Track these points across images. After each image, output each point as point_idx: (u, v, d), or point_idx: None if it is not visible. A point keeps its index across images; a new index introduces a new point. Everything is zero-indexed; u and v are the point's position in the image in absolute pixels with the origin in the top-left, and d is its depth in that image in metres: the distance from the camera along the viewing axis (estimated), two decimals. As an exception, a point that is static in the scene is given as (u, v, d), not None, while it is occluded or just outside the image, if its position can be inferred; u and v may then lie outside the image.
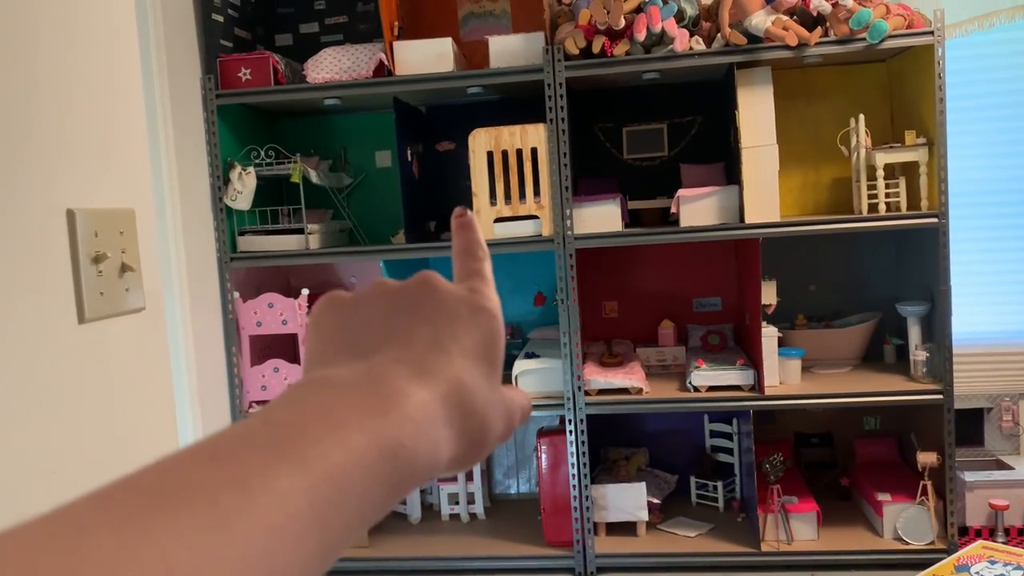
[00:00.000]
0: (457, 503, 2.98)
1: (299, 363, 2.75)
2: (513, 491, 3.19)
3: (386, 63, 2.64)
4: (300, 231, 2.74)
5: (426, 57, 2.64)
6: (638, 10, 2.48)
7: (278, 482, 0.28)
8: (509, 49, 2.63)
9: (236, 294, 2.74)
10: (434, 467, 0.35)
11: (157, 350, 1.12)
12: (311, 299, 2.78)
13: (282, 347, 2.89)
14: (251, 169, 2.72)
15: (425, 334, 0.39)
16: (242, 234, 2.77)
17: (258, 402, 2.79)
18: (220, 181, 2.70)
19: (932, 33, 2.41)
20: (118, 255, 1.02)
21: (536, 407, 2.69)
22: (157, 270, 1.13)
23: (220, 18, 2.72)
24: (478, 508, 2.98)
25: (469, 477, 2.97)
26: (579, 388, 2.62)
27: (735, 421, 2.85)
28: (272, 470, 0.29)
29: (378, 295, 0.41)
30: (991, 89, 2.91)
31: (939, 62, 2.41)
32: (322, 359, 0.39)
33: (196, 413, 2.55)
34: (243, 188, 2.70)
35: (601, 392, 2.66)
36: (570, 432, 2.63)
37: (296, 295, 2.74)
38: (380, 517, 0.33)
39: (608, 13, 2.44)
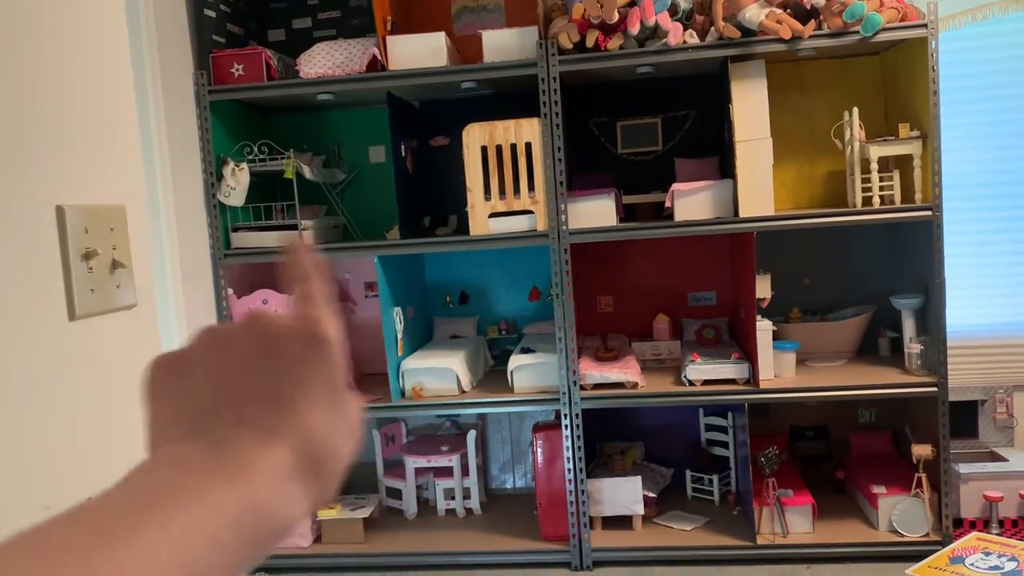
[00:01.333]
0: (453, 498, 2.98)
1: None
2: (509, 486, 3.19)
3: (379, 58, 2.63)
4: (294, 227, 2.73)
5: (419, 52, 2.63)
6: (631, 4, 2.47)
7: (144, 537, 0.30)
8: (503, 43, 2.63)
9: (230, 291, 2.73)
10: (293, 518, 0.37)
11: (149, 347, 1.12)
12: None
13: (277, 343, 2.88)
14: (244, 165, 2.71)
15: (264, 388, 0.38)
16: (235, 230, 2.77)
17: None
18: (213, 177, 2.69)
19: (925, 26, 2.41)
20: (109, 251, 1.01)
21: (532, 402, 2.69)
22: (149, 267, 1.13)
23: (212, 13, 2.71)
24: (474, 503, 2.98)
25: (465, 472, 2.97)
26: (574, 383, 2.62)
27: (730, 415, 2.85)
28: (138, 527, 0.31)
29: (207, 347, 0.40)
30: (984, 82, 2.91)
31: (932, 55, 2.41)
32: (166, 433, 0.38)
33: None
34: (236, 184, 2.69)
35: (596, 387, 2.66)
36: (566, 427, 2.63)
37: (291, 292, 2.72)
38: (244, 572, 0.35)
39: (602, 7, 2.44)
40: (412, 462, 2.96)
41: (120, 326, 1.05)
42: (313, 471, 0.38)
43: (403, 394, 2.75)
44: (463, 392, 2.74)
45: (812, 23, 2.44)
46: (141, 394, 0.40)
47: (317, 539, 2.84)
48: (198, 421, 0.38)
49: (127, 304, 1.06)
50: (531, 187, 2.59)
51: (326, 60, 2.67)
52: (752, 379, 2.59)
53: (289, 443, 0.37)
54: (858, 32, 2.41)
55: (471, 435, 2.98)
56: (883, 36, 2.43)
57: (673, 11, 2.52)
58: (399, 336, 2.76)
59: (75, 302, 0.95)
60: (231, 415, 0.37)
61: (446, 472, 2.98)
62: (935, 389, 2.49)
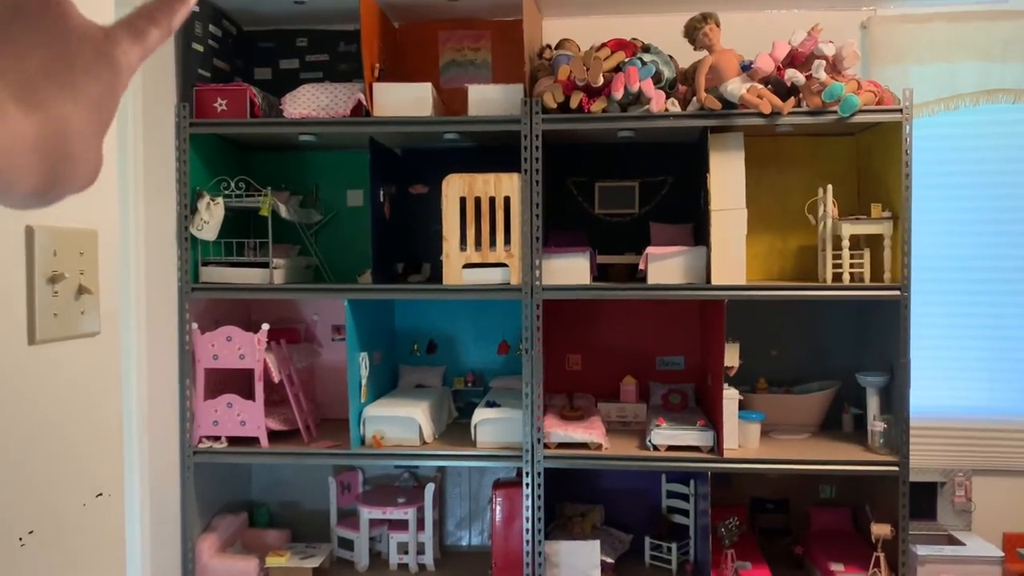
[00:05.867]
0: (406, 552, 2.91)
1: (253, 399, 2.69)
2: (464, 543, 3.12)
3: (364, 103, 2.64)
4: (265, 265, 2.70)
5: (405, 100, 2.65)
6: (617, 69, 2.52)
7: None
8: (488, 98, 2.65)
9: (194, 325, 2.68)
10: (9, 192, 0.35)
11: (109, 376, 1.08)
12: (271, 334, 2.73)
13: (238, 382, 2.82)
14: (220, 200, 2.68)
15: (39, 57, 0.36)
16: (205, 264, 2.73)
17: (209, 437, 2.71)
18: (187, 210, 2.66)
19: (901, 111, 2.48)
20: (76, 276, 0.98)
21: (494, 457, 2.65)
22: (116, 294, 1.10)
23: (200, 47, 2.71)
24: (427, 559, 2.91)
25: (420, 526, 2.90)
26: (538, 440, 2.58)
27: (692, 482, 2.83)
28: None
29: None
30: (956, 168, 3.00)
31: (907, 139, 2.47)
32: None
33: (143, 444, 2.46)
34: (210, 218, 2.66)
35: (560, 446, 2.63)
36: (527, 485, 2.59)
37: (256, 330, 2.68)
38: None
39: (587, 70, 2.48)
40: (367, 513, 2.89)
41: (81, 353, 1.01)
42: (52, 162, 0.36)
43: (363, 442, 2.69)
44: (424, 443, 2.70)
45: (792, 100, 2.49)
46: None
47: (263, 587, 2.75)
48: None
49: (90, 331, 1.02)
50: (507, 240, 2.59)
51: (311, 101, 2.68)
52: (716, 447, 2.58)
53: (40, 119, 0.35)
54: (836, 112, 2.47)
55: (429, 488, 2.92)
56: (860, 118, 2.49)
57: (657, 79, 2.56)
58: (363, 382, 2.72)
59: (36, 326, 0.92)
60: None
61: (401, 525, 2.91)
62: (896, 469, 2.50)
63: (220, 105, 2.67)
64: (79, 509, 1.03)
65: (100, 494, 1.07)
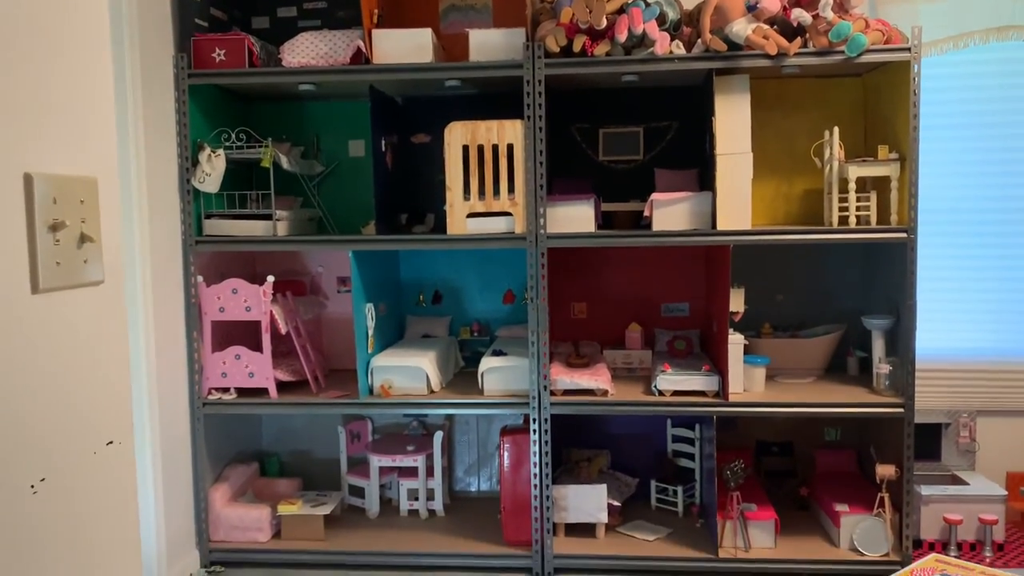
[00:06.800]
0: (416, 499, 2.95)
1: (261, 351, 2.70)
2: (474, 489, 3.16)
3: (364, 51, 2.61)
4: (268, 217, 2.69)
5: (405, 47, 2.61)
6: (620, 11, 2.47)
7: None
8: (489, 43, 2.61)
9: (200, 278, 2.69)
10: None
11: (115, 326, 1.08)
12: (276, 287, 2.74)
13: (245, 334, 2.83)
14: (221, 152, 2.67)
15: None
16: (208, 217, 2.72)
17: (218, 389, 2.74)
18: (188, 162, 2.64)
19: (909, 50, 2.43)
20: (77, 224, 0.98)
21: (501, 405, 2.67)
22: (119, 244, 1.10)
23: (196, -4, 2.66)
24: (437, 505, 2.95)
25: (430, 473, 2.94)
26: (545, 388, 2.60)
27: (698, 427, 2.85)
28: None
29: None
30: (964, 108, 2.95)
31: (915, 79, 2.43)
32: None
33: (153, 396, 2.49)
34: (212, 171, 2.65)
35: (566, 392, 2.64)
36: (534, 431, 2.61)
37: (261, 282, 2.69)
38: None
39: (590, 12, 2.43)
40: (377, 461, 2.93)
41: (86, 302, 1.01)
42: None
43: (371, 391, 2.71)
44: (432, 392, 2.72)
45: (798, 40, 2.45)
46: None
47: (276, 534, 2.79)
48: None
49: (94, 280, 1.02)
50: (511, 189, 2.57)
51: (310, 50, 2.64)
52: (721, 392, 2.60)
53: None
54: (843, 52, 2.43)
55: (438, 436, 2.95)
56: (867, 58, 2.45)
57: (661, 21, 2.52)
58: (370, 333, 2.73)
59: (39, 274, 0.92)
60: None
61: (411, 472, 2.95)
62: (901, 410, 2.51)
63: (218, 55, 2.64)
64: (90, 457, 1.04)
65: (111, 442, 1.08)
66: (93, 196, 1.02)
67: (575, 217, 2.62)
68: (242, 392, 2.74)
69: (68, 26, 1.00)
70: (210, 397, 2.72)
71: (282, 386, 2.78)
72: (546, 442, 2.61)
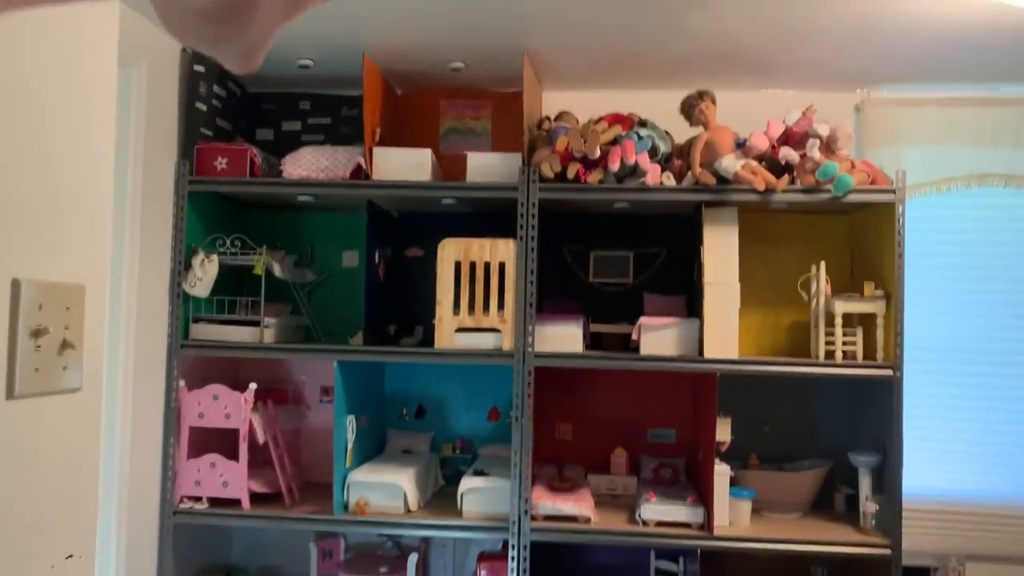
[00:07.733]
0: (387, 624, 2.82)
1: (237, 460, 2.64)
2: (447, 616, 3.03)
3: (364, 167, 2.67)
4: (256, 323, 2.68)
5: (404, 165, 2.67)
6: (614, 142, 2.55)
7: None
8: (487, 165, 2.68)
9: (182, 382, 2.65)
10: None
11: (88, 434, 1.06)
12: (258, 394, 2.70)
13: (223, 441, 2.77)
14: (214, 257, 2.68)
15: None
16: (196, 321, 2.71)
17: (190, 497, 2.65)
18: (181, 266, 2.65)
19: (894, 192, 2.51)
20: (60, 331, 0.97)
21: (480, 528, 2.59)
22: (102, 350, 1.08)
23: (203, 107, 2.75)
24: (408, 631, 2.82)
25: (402, 597, 2.83)
26: (526, 512, 2.53)
27: (682, 560, 2.77)
28: None
29: None
30: (948, 250, 3.01)
31: (899, 219, 2.49)
32: None
33: (123, 503, 2.41)
34: (204, 275, 2.66)
35: (548, 518, 2.57)
36: (512, 558, 2.53)
37: (244, 388, 2.65)
38: None
39: (585, 142, 2.51)
40: (348, 581, 2.81)
41: (61, 409, 0.99)
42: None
43: (346, 508, 2.64)
44: (409, 511, 2.64)
45: (786, 178, 2.52)
46: None
47: (236, 657, 2.65)
48: None
49: (71, 387, 1.01)
50: (500, 306, 2.59)
51: (311, 163, 2.70)
52: (707, 524, 2.53)
53: None
54: (829, 191, 2.50)
55: (412, 558, 2.85)
56: (853, 197, 2.51)
57: (653, 153, 2.60)
58: (349, 446, 2.68)
59: (16, 380, 0.90)
60: None
61: (382, 595, 2.83)
62: (888, 552, 2.45)
63: (220, 163, 2.69)
64: (47, 571, 0.99)
65: (70, 555, 1.04)
66: (79, 303, 1.01)
67: (563, 336, 2.62)
68: (214, 502, 2.66)
69: (74, 136, 1.02)
70: (181, 506, 2.63)
71: (256, 497, 2.70)
72: (525, 570, 2.53)
